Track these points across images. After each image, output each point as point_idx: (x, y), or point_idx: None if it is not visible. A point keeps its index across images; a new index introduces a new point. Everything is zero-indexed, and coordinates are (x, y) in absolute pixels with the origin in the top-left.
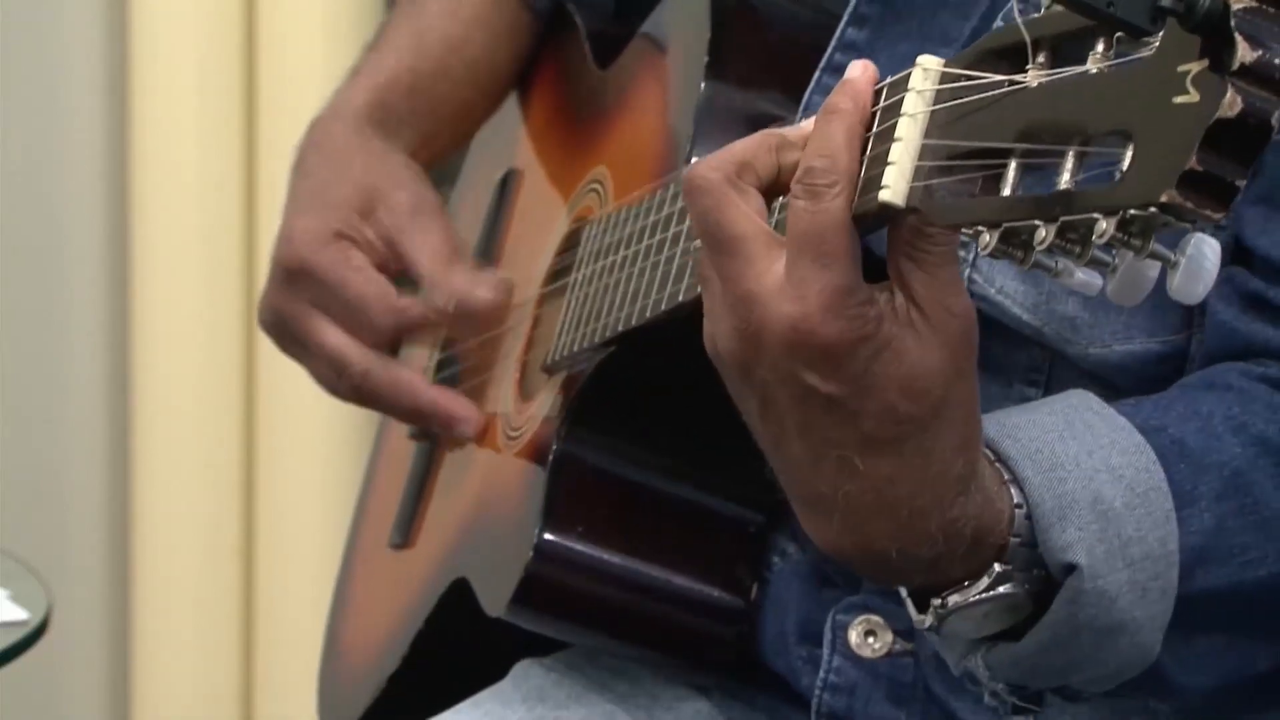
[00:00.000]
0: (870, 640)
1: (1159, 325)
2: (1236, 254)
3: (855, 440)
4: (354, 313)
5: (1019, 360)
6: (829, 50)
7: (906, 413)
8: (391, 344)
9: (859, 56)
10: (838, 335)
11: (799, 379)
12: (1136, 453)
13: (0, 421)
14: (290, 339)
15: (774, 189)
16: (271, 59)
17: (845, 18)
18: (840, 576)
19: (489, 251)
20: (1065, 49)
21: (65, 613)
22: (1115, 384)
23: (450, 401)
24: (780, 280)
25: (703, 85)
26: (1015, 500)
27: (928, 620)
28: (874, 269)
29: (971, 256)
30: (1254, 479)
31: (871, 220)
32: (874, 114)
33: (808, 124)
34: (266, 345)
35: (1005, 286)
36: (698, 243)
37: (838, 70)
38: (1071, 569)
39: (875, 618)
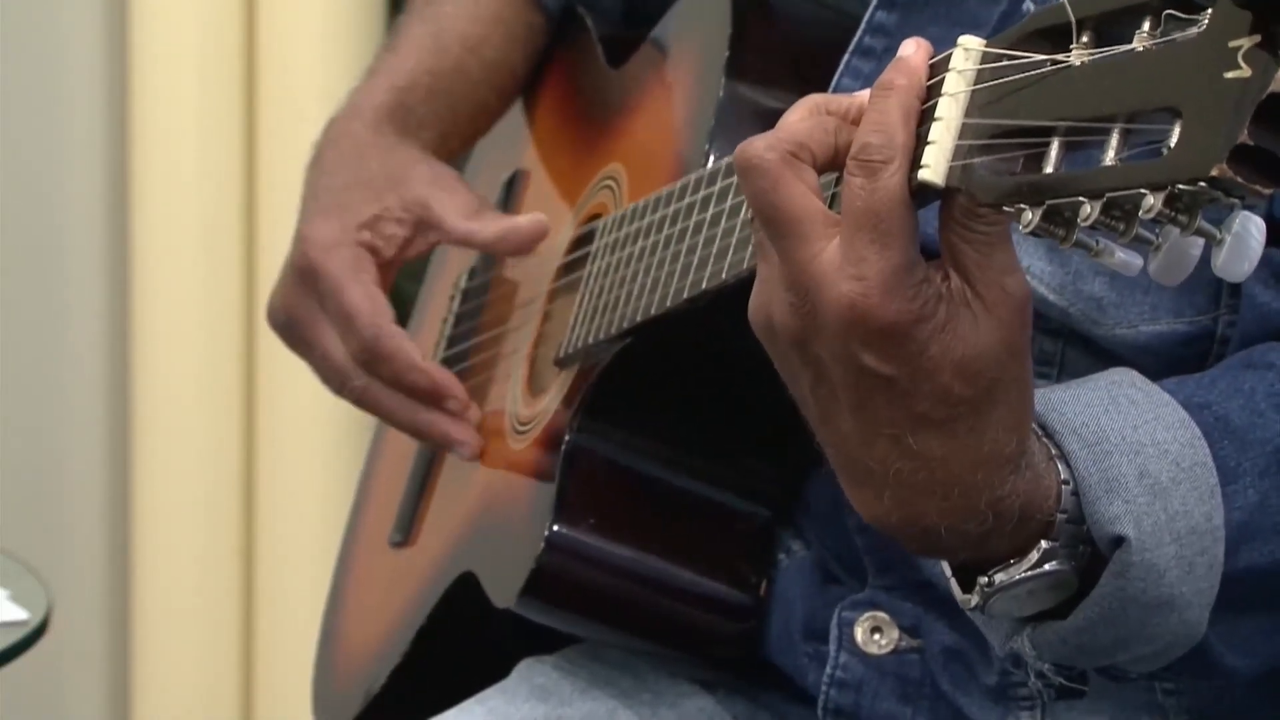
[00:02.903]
0: (876, 637)
1: (1186, 305)
2: (1272, 235)
3: (908, 420)
4: (344, 322)
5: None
6: (859, 33)
7: (960, 394)
8: (373, 361)
9: (888, 39)
10: (896, 315)
11: (855, 358)
12: (1181, 428)
13: (0, 421)
14: (298, 340)
15: (830, 165)
16: (271, 59)
17: (874, 1)
18: (845, 574)
19: None
20: (1109, 29)
21: (65, 613)
22: (1140, 366)
23: (448, 423)
24: (838, 259)
25: (723, 81)
26: (1062, 476)
27: (973, 599)
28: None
29: None
30: None
31: (912, 200)
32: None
33: (862, 95)
34: (266, 345)
35: (1032, 266)
36: (747, 215)
37: (867, 53)
38: (1119, 542)
39: (881, 614)
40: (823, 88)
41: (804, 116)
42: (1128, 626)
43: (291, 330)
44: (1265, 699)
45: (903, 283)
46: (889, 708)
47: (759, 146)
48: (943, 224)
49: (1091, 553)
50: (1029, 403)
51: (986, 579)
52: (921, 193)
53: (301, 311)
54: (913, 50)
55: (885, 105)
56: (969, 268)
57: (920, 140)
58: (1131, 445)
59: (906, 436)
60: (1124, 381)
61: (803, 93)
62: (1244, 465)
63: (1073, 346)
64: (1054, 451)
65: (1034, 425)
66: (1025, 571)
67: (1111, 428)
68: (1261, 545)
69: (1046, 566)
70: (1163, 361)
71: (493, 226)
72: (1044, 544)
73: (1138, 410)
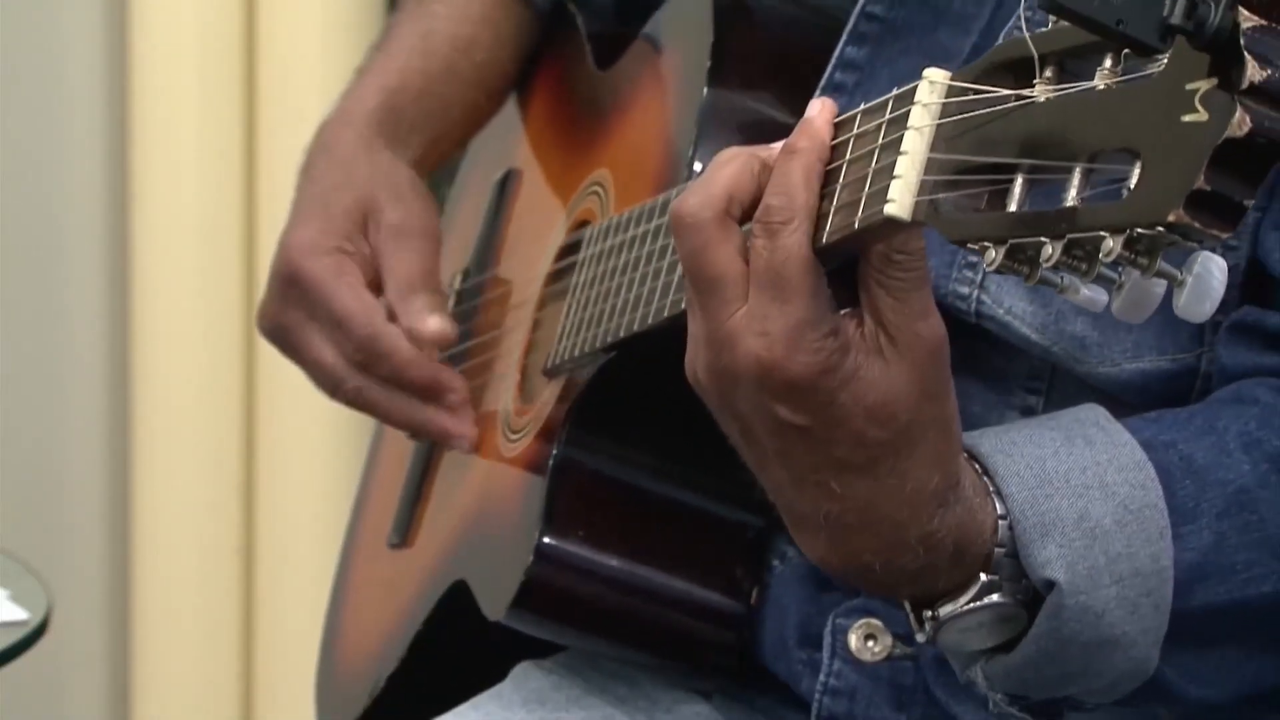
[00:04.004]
0: (870, 644)
1: (1169, 343)
2: (1258, 286)
3: (829, 465)
4: (337, 327)
5: (1019, 369)
6: (829, 69)
7: (876, 438)
8: (371, 361)
9: (859, 74)
10: (802, 369)
11: (771, 411)
12: (1134, 469)
13: (0, 421)
14: (287, 346)
15: (753, 212)
16: (271, 59)
17: (844, 36)
18: (839, 580)
19: (487, 252)
20: (1072, 64)
21: (65, 613)
22: (1124, 401)
23: (446, 419)
24: (746, 317)
25: (705, 90)
26: (999, 511)
27: (923, 634)
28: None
29: (979, 277)
30: (1261, 496)
31: (875, 234)
32: (849, 140)
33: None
34: (266, 346)
35: (1014, 307)
36: (679, 273)
37: (838, 89)
38: (1052, 585)
39: (875, 621)
40: (807, 93)
41: (733, 166)
42: (1071, 663)
43: (280, 337)
44: (1262, 712)
45: (806, 337)
46: (883, 715)
47: (692, 204)
48: (861, 272)
49: (1033, 588)
50: (951, 440)
51: (931, 613)
52: (883, 229)
53: (288, 318)
54: (816, 111)
55: (788, 168)
56: (884, 313)
57: (886, 174)
58: (1076, 488)
59: (830, 481)
60: (1087, 420)
61: (787, 99)
62: (1203, 505)
63: (1061, 372)
64: (990, 488)
65: (975, 463)
66: (966, 605)
67: (1057, 470)
68: (1217, 585)
69: (988, 599)
70: (1146, 398)
71: (405, 320)
72: (983, 577)
73: (1093, 451)
